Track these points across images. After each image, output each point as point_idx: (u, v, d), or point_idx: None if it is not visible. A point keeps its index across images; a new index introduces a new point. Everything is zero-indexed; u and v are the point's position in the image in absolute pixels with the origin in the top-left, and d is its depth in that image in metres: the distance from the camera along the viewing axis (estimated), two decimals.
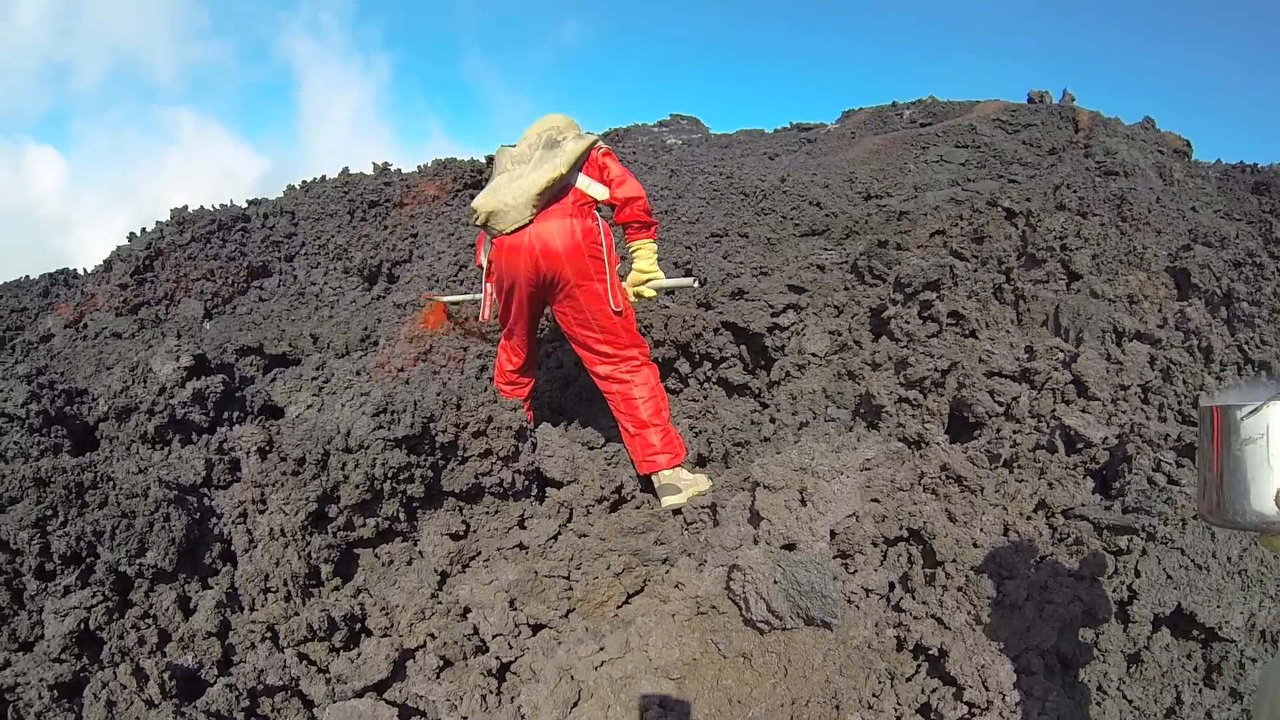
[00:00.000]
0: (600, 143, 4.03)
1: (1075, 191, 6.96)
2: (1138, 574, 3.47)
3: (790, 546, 2.68)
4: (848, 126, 12.72)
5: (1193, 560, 3.59)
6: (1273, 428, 1.34)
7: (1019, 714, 2.59)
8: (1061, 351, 4.54)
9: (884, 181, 9.42)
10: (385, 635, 3.24)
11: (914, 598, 2.72)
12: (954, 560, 2.76)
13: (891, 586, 2.76)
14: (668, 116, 15.35)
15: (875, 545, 2.78)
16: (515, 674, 3.12)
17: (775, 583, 2.49)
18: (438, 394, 4.02)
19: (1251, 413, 1.36)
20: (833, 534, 2.70)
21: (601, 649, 2.83)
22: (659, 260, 4.28)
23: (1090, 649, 3.28)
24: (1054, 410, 4.05)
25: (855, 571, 2.66)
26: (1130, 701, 3.30)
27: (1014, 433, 3.98)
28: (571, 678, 2.79)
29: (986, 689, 2.58)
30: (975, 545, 2.81)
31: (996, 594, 2.70)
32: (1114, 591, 3.43)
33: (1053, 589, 2.81)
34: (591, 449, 4.40)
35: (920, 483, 3.20)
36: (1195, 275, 5.40)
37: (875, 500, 2.88)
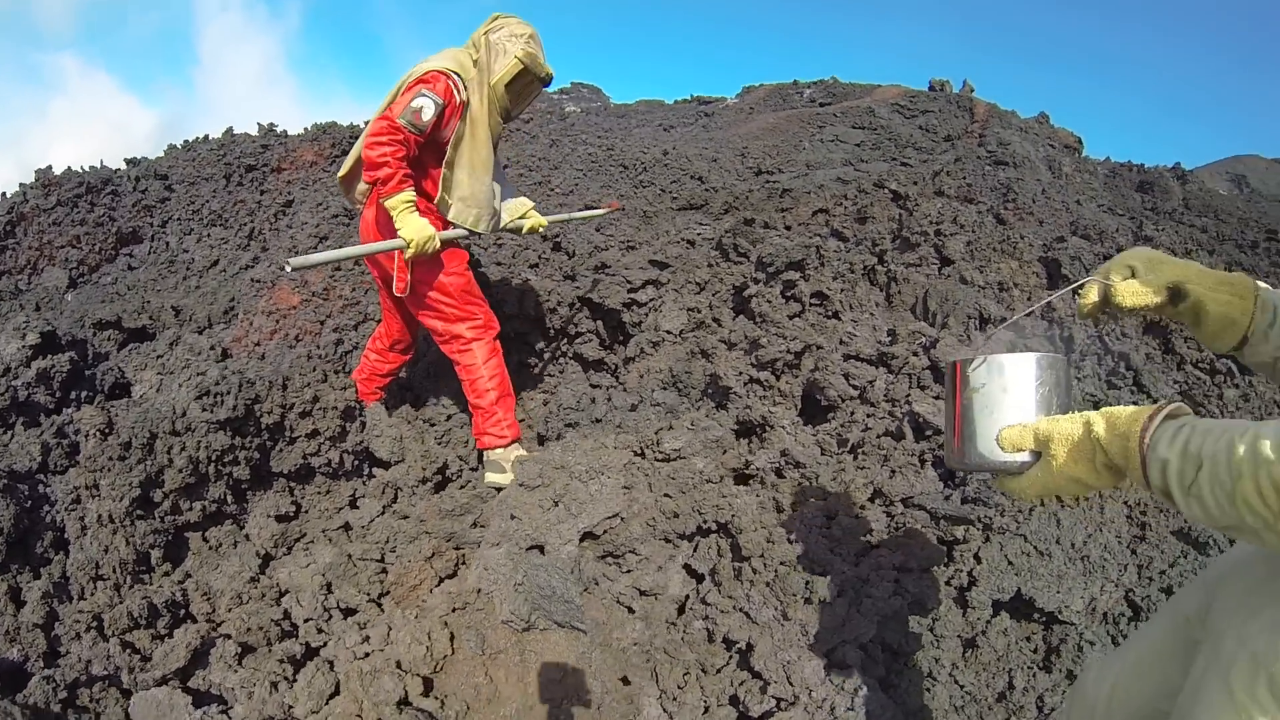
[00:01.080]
0: (427, 77, 3.43)
1: (957, 178, 6.94)
2: (978, 560, 3.41)
3: (539, 548, 2.48)
4: (747, 101, 12.61)
5: (1035, 547, 3.55)
6: (991, 378, 1.43)
7: (826, 709, 2.45)
8: (924, 336, 4.45)
9: (776, 158, 9.32)
10: (208, 620, 3.13)
11: (720, 591, 2.55)
12: (762, 555, 2.60)
13: (701, 579, 2.59)
14: (569, 84, 15.07)
15: (669, 541, 2.60)
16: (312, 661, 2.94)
17: (516, 586, 2.29)
18: (262, 375, 3.80)
19: (975, 365, 1.45)
20: (592, 535, 2.50)
21: (366, 639, 2.61)
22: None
23: (919, 637, 3.20)
24: (908, 395, 3.95)
25: (629, 571, 2.47)
26: (961, 686, 3.24)
27: (867, 417, 3.86)
28: (331, 668, 2.58)
29: (791, 684, 2.43)
30: (790, 540, 2.64)
31: (805, 589, 2.54)
32: (952, 579, 3.36)
33: (874, 582, 2.67)
34: (425, 426, 4.16)
35: (746, 471, 3.04)
36: (1065, 266, 5.38)
37: (668, 495, 2.69)
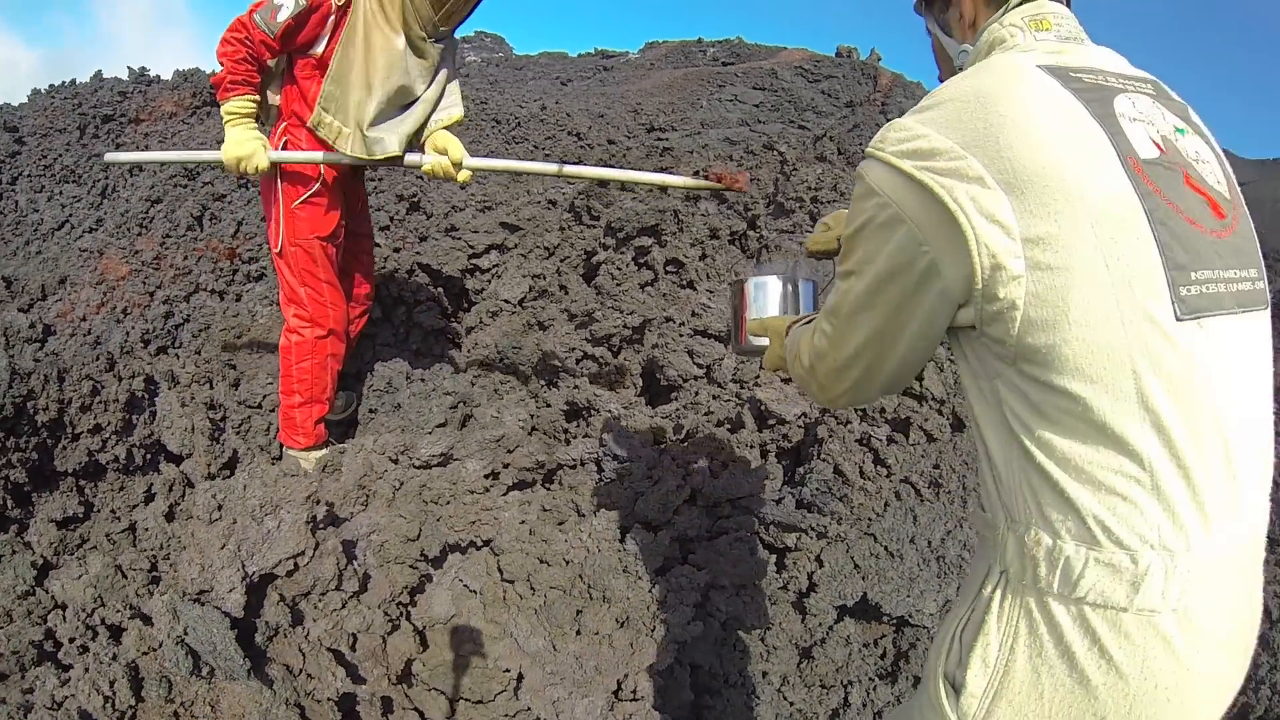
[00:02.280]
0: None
1: (850, 144, 6.64)
2: (820, 564, 3.11)
3: (206, 592, 2.05)
4: (649, 57, 12.15)
5: (885, 547, 3.28)
6: (756, 291, 2.02)
7: None
8: None
9: (671, 115, 8.91)
10: None
11: (485, 616, 2.15)
12: (529, 578, 2.21)
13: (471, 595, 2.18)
14: (473, 33, 14.40)
15: (402, 564, 2.18)
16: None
17: (179, 639, 1.87)
18: (38, 367, 3.31)
19: (733, 282, 2.09)
20: (269, 578, 2.07)
21: (65, 681, 2.15)
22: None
23: (747, 652, 2.89)
24: (757, 377, 3.61)
25: (319, 620, 2.04)
26: (791, 703, 2.95)
27: (711, 399, 3.51)
28: (25, 715, 2.12)
29: None
30: (567, 561, 2.25)
31: (575, 620, 2.17)
32: (789, 584, 3.06)
33: (671, 605, 2.31)
34: (231, 410, 3.65)
35: (539, 470, 2.64)
36: None
37: (402, 516, 2.28)
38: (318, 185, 3.01)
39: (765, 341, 1.88)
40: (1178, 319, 1.06)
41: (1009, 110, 1.11)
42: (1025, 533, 1.14)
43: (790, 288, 2.04)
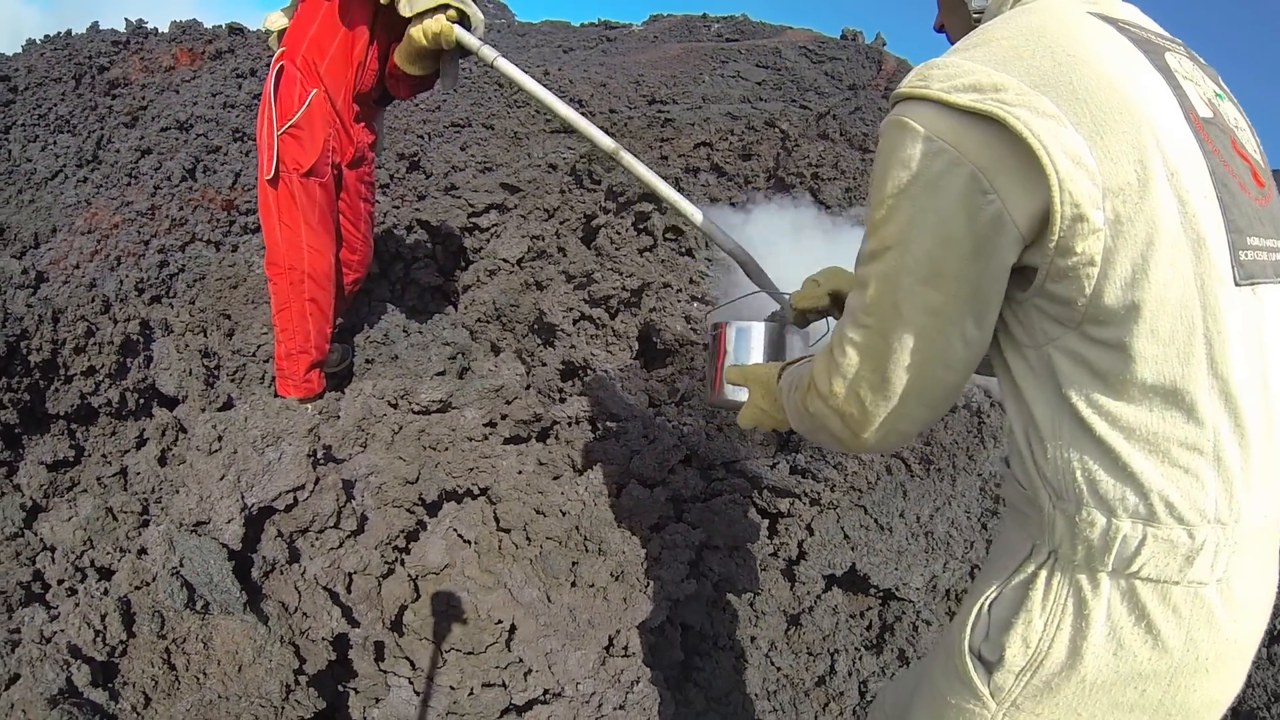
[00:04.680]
0: None
1: (852, 125, 6.63)
2: (810, 532, 3.12)
3: (203, 524, 2.03)
4: (652, 30, 12.07)
5: (876, 520, 3.30)
6: (733, 338, 1.82)
7: (593, 704, 2.09)
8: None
9: (672, 88, 8.84)
10: None
11: (480, 565, 2.15)
12: (525, 528, 2.20)
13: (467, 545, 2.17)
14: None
15: (400, 507, 2.17)
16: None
17: (174, 571, 1.85)
18: (31, 308, 3.24)
19: (713, 327, 1.87)
20: (267, 511, 2.05)
21: (54, 616, 2.14)
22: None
23: (735, 616, 2.90)
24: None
25: (315, 557, 2.03)
26: (779, 669, 2.97)
27: (706, 364, 3.52)
28: (13, 650, 2.10)
29: (552, 673, 2.07)
30: (563, 512, 2.25)
31: (570, 570, 2.16)
32: (779, 551, 3.07)
33: (666, 562, 2.31)
34: (225, 358, 3.63)
35: (536, 422, 2.63)
36: None
37: (401, 459, 2.27)
38: (301, 113, 2.89)
39: (743, 395, 1.69)
40: (1236, 284, 1.00)
41: (1077, 50, 1.02)
42: (1076, 512, 1.07)
43: (776, 335, 1.83)
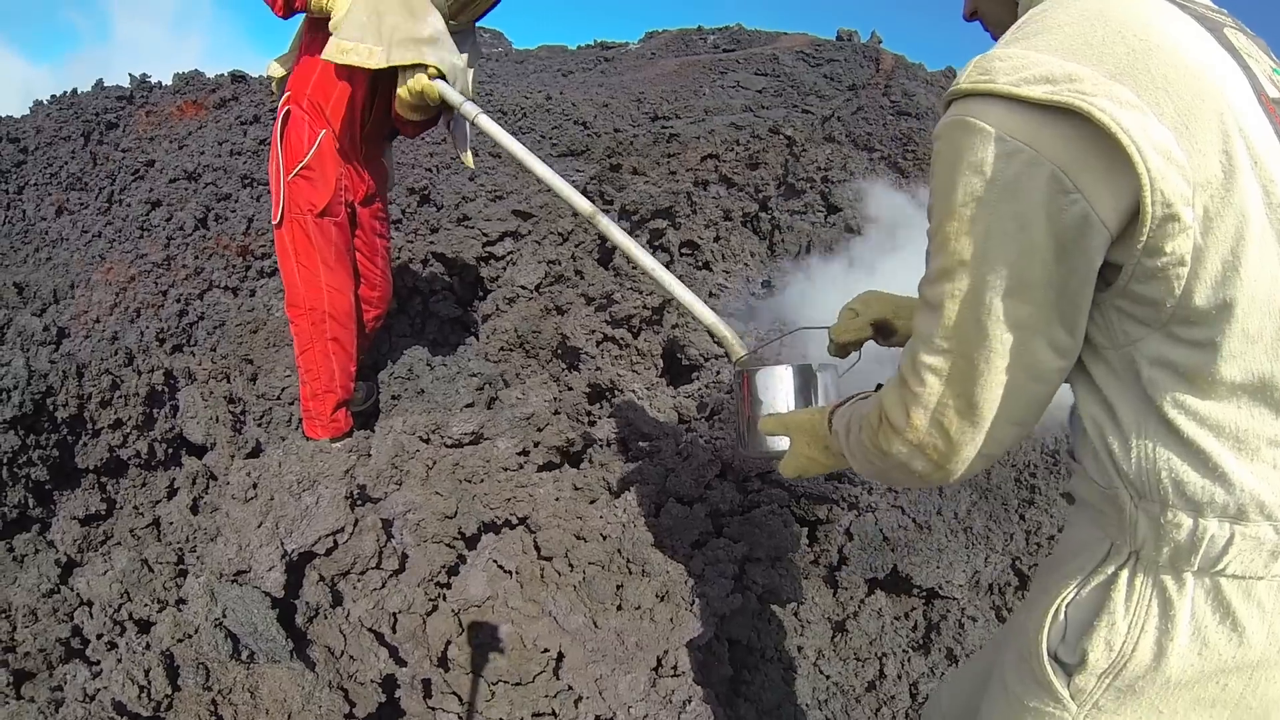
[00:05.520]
0: None
1: (856, 126, 6.63)
2: (850, 537, 3.09)
3: (243, 573, 2.03)
4: (649, 47, 12.15)
5: (914, 520, 3.27)
6: (764, 383, 1.73)
7: None
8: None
9: (674, 103, 8.89)
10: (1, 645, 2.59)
11: (523, 595, 2.13)
12: (566, 554, 2.18)
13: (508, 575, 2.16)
14: None
15: (440, 543, 2.16)
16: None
17: (217, 622, 1.84)
18: (55, 365, 3.26)
19: (735, 372, 1.82)
20: (308, 556, 2.05)
21: (98, 673, 2.13)
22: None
23: (781, 626, 2.88)
24: (779, 353, 3.59)
25: (359, 600, 2.02)
26: (828, 677, 2.94)
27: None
28: (57, 709, 2.09)
29: (604, 699, 2.05)
30: (604, 536, 2.23)
31: (616, 594, 2.15)
32: (820, 558, 3.05)
33: (709, 579, 2.29)
34: (251, 403, 3.64)
35: (569, 449, 2.62)
36: None
37: (438, 494, 2.25)
38: (311, 154, 2.91)
39: (783, 444, 1.58)
40: None
41: (1150, 34, 0.95)
42: (1161, 513, 1.03)
43: (807, 375, 1.73)
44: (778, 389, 1.71)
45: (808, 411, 1.54)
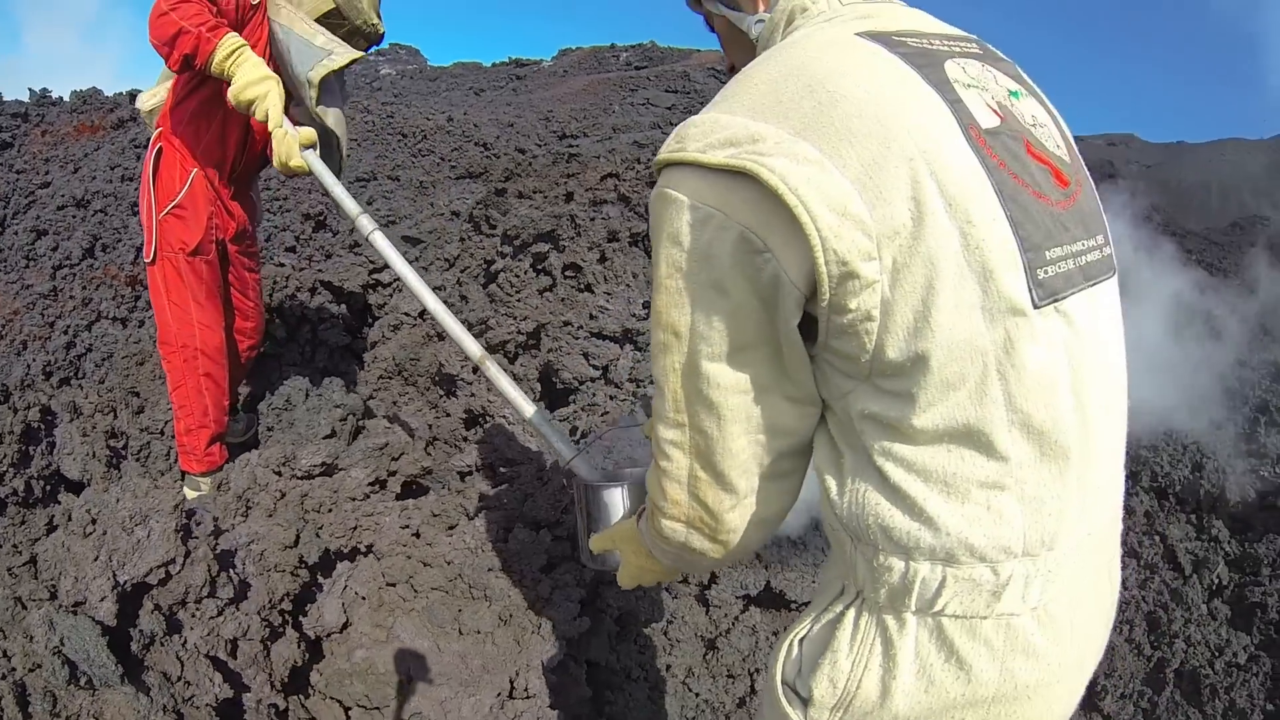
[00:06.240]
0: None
1: None
2: None
3: (80, 604, 2.11)
4: (562, 64, 12.25)
5: (788, 536, 3.38)
6: (592, 499, 1.69)
7: None
8: None
9: (583, 121, 8.99)
10: None
11: (371, 620, 2.22)
12: (409, 581, 2.28)
13: (345, 615, 2.24)
14: (387, 46, 14.36)
15: (282, 571, 2.24)
16: None
17: (55, 650, 1.93)
18: None
19: (567, 476, 1.85)
20: (143, 587, 2.13)
21: None
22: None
23: (649, 645, 2.98)
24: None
25: (195, 627, 2.10)
26: (697, 694, 3.03)
27: (609, 399, 3.60)
28: None
29: None
30: (448, 562, 2.33)
31: (456, 619, 2.24)
32: (689, 577, 3.15)
33: (556, 602, 2.39)
34: (133, 435, 3.64)
35: (421, 479, 2.71)
36: None
37: (279, 525, 2.33)
38: (183, 194, 2.93)
39: (615, 557, 1.55)
40: (1035, 306, 0.95)
41: (838, 86, 0.94)
42: (874, 556, 1.03)
43: (635, 482, 1.67)
44: (606, 505, 1.67)
45: (628, 522, 1.50)
